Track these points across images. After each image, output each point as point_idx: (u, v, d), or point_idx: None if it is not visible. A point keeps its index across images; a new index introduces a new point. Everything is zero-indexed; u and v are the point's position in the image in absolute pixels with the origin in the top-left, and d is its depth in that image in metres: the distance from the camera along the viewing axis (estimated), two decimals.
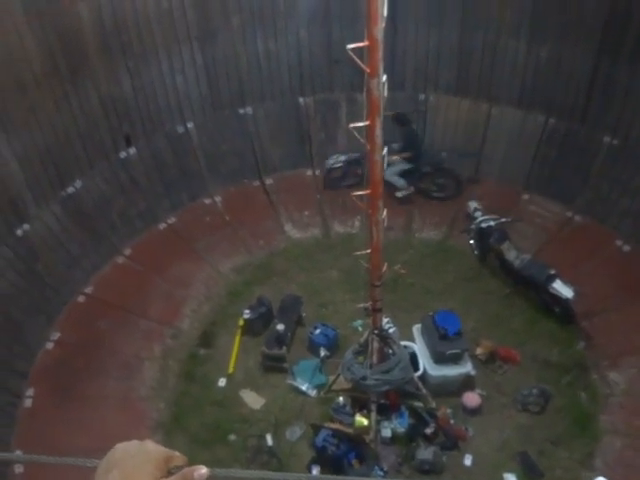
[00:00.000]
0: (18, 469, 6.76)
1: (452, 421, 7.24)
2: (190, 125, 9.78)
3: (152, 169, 9.52)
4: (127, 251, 9.13)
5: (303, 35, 9.87)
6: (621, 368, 7.67)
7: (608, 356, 7.79)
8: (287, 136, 10.35)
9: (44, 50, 7.87)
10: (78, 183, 8.71)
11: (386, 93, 4.52)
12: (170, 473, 1.15)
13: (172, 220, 9.66)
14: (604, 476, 6.16)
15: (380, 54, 4.23)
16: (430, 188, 9.94)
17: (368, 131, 4.70)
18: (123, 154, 9.22)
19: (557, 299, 7.93)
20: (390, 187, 9.65)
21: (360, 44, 4.23)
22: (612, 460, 6.90)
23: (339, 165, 9.93)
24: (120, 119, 9.06)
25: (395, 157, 9.49)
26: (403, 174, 9.81)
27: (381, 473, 6.81)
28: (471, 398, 7.37)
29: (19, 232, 8.01)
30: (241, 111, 10.07)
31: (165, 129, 9.60)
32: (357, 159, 9.41)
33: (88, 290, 8.59)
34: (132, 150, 9.29)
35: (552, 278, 7.89)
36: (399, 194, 9.82)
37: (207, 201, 9.96)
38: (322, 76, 10.21)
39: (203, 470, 1.17)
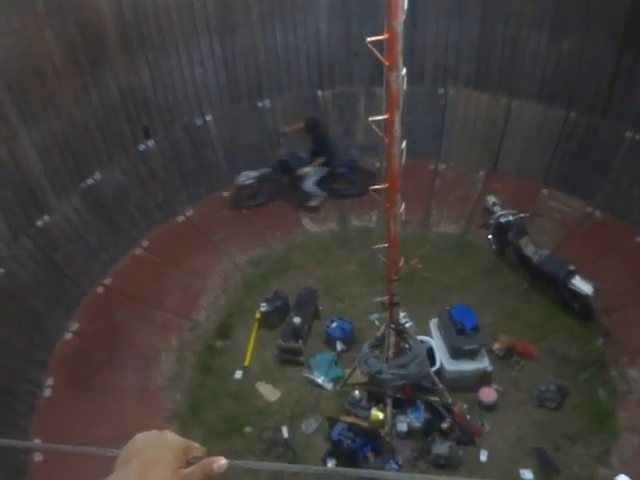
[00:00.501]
0: (37, 457, 6.85)
1: (468, 416, 7.22)
2: (208, 117, 9.80)
3: (170, 161, 9.56)
4: (145, 243, 9.19)
5: (322, 28, 9.83)
6: None
7: (627, 353, 7.71)
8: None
9: (64, 42, 7.92)
10: (97, 175, 8.78)
11: (405, 86, 4.50)
12: (189, 464, 1.15)
13: (190, 213, 9.70)
14: (624, 474, 6.12)
15: (400, 47, 4.20)
16: (342, 187, 9.83)
17: (387, 124, 4.68)
18: (142, 146, 9.27)
19: (576, 295, 7.86)
20: (305, 198, 9.65)
21: (380, 37, 4.21)
22: (630, 457, 6.83)
23: (250, 182, 9.57)
24: (139, 111, 9.11)
25: (307, 169, 9.35)
26: (321, 181, 9.64)
27: (396, 467, 6.81)
28: (487, 393, 7.34)
29: (39, 223, 8.10)
30: (259, 104, 10.07)
31: (183, 121, 9.63)
32: (269, 175, 9.36)
33: (106, 282, 8.67)
34: (150, 142, 9.33)
35: (571, 274, 7.81)
36: (312, 203, 9.74)
37: (225, 194, 9.98)
38: (341, 69, 10.18)
39: (223, 461, 1.17)
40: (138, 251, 9.11)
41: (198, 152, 9.79)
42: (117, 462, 1.11)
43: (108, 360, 7.77)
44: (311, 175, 9.47)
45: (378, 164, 9.60)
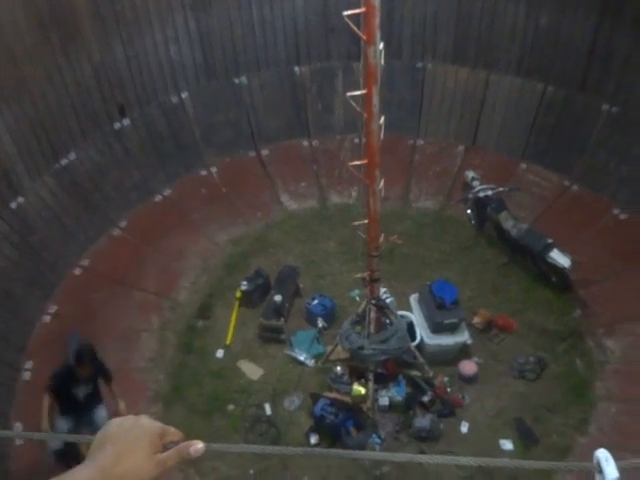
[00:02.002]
0: (18, 441, 6.81)
1: (449, 389, 7.31)
2: (184, 95, 9.65)
3: (146, 140, 9.42)
4: (122, 223, 9.08)
5: (299, 2, 9.68)
6: (617, 335, 7.72)
7: (604, 323, 7.84)
8: (283, 106, 10.23)
9: (35, 21, 7.71)
10: (72, 155, 8.62)
11: (383, 61, 4.45)
12: (166, 448, 1.14)
13: (167, 192, 9.59)
14: (600, 443, 6.23)
15: (377, 21, 4.15)
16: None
17: (365, 100, 4.64)
18: (117, 125, 9.11)
19: (554, 268, 7.95)
20: None
21: (357, 11, 4.15)
22: (607, 426, 6.98)
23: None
24: (113, 89, 8.94)
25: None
26: None
27: (379, 441, 6.90)
28: (468, 366, 7.43)
29: (13, 205, 7.95)
30: (236, 80, 9.93)
31: (159, 99, 9.48)
32: None
33: (84, 263, 8.56)
34: (126, 121, 9.17)
35: (549, 247, 7.89)
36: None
37: (203, 172, 9.88)
38: (318, 45, 10.05)
39: (199, 445, 1.17)
40: (115, 232, 9.00)
41: (175, 130, 9.65)
42: (91, 448, 1.10)
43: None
44: None
45: (357, 140, 9.58)
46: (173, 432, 1.19)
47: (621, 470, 1.34)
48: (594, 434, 6.89)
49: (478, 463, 1.41)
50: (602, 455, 1.37)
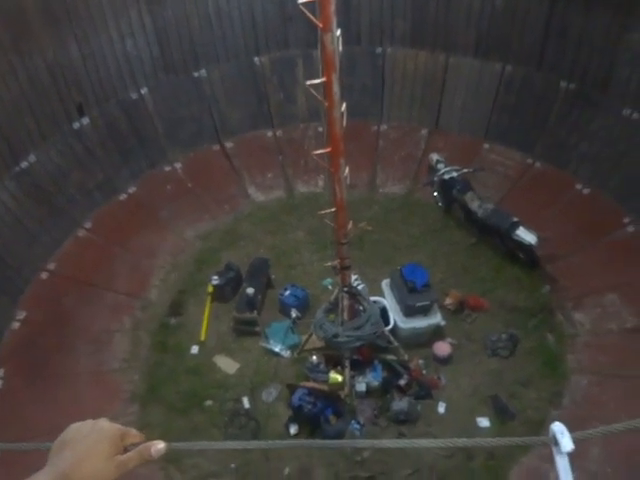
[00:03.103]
0: None
1: (424, 371, 7.39)
2: (144, 91, 9.51)
3: (107, 138, 9.27)
4: (88, 224, 8.94)
5: None
6: (585, 308, 7.88)
7: (572, 297, 7.99)
8: (244, 97, 10.16)
9: None
10: (31, 157, 8.43)
11: (341, 48, 4.43)
12: (126, 450, 1.13)
13: (132, 190, 9.47)
14: (574, 415, 6.38)
15: (333, 7, 4.11)
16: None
17: (325, 88, 4.61)
18: (76, 124, 8.94)
19: (521, 246, 8.06)
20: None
21: None
22: (579, 397, 7.13)
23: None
24: (70, 88, 8.76)
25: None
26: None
27: (358, 426, 6.94)
28: (442, 347, 7.52)
29: None
30: (195, 74, 9.82)
31: (118, 96, 9.32)
32: None
33: (50, 266, 8.41)
34: (85, 120, 9.00)
35: (515, 225, 8.00)
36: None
37: (167, 168, 9.78)
38: (277, 34, 9.98)
39: (160, 445, 1.16)
40: (81, 233, 8.86)
41: (136, 127, 9.51)
42: (50, 453, 1.08)
43: (59, 347, 7.60)
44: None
45: (321, 128, 9.54)
46: (134, 434, 1.18)
47: (576, 441, 1.38)
48: (568, 406, 7.03)
49: (440, 445, 1.44)
50: (557, 428, 1.40)
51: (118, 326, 7.96)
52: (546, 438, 1.43)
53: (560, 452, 1.38)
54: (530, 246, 7.98)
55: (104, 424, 1.14)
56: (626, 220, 8.48)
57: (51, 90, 8.52)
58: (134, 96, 9.45)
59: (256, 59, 10.07)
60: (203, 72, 9.85)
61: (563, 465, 1.38)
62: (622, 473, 6.30)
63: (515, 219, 8.05)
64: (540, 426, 6.87)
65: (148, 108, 9.57)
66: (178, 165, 9.80)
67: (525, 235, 7.93)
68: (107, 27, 8.81)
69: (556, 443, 1.39)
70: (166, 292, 8.39)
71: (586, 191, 8.98)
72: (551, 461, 1.50)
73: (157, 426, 7.05)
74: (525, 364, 7.50)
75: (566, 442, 1.37)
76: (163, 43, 9.43)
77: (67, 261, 8.50)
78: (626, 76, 8.48)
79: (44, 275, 8.34)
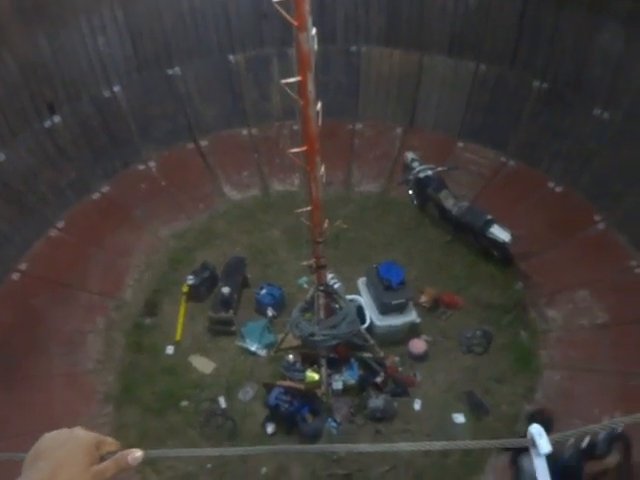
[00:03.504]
0: None
1: (400, 368, 7.43)
2: (116, 88, 9.39)
3: (80, 137, 9.13)
4: (60, 224, 8.82)
5: None
6: (557, 304, 8.00)
7: (545, 294, 8.11)
8: (219, 95, 10.09)
9: None
10: (1, 156, 8.27)
11: (316, 47, 4.42)
12: (103, 459, 1.11)
13: (106, 189, 9.36)
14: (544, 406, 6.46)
15: (307, 6, 4.11)
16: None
17: (300, 87, 4.61)
18: (47, 123, 8.79)
19: (495, 243, 8.15)
20: None
21: None
22: (552, 392, 7.24)
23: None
24: (41, 86, 8.61)
25: None
26: None
27: (335, 425, 6.96)
28: (417, 345, 7.56)
29: None
30: (169, 71, 9.73)
31: (90, 94, 9.19)
32: None
33: (22, 267, 8.28)
34: (57, 118, 8.86)
35: (489, 223, 8.08)
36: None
37: (141, 167, 9.69)
38: (251, 32, 9.93)
39: (138, 453, 1.14)
40: (53, 232, 8.74)
41: (109, 125, 9.39)
42: (24, 463, 1.06)
43: (31, 348, 7.48)
44: None
45: (296, 126, 9.53)
46: (110, 442, 1.16)
47: (553, 443, 1.40)
48: (541, 401, 7.14)
49: (419, 447, 1.44)
50: (535, 431, 1.42)
51: (92, 327, 7.86)
52: (524, 440, 1.45)
53: (538, 454, 1.40)
54: (504, 244, 8.06)
55: (79, 433, 1.12)
56: (597, 218, 8.63)
57: (21, 87, 8.37)
58: (107, 94, 9.33)
59: (231, 57, 10.01)
60: (177, 70, 9.76)
61: (541, 466, 1.40)
62: None
63: (489, 217, 8.13)
64: (514, 420, 6.97)
65: (121, 106, 9.46)
66: (152, 164, 9.71)
67: (499, 233, 8.02)
68: (79, 24, 8.68)
69: (534, 445, 1.41)
70: (140, 292, 8.30)
71: (558, 189, 9.11)
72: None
73: (132, 427, 6.99)
74: (499, 360, 7.59)
75: (544, 444, 1.39)
76: (136, 40, 9.32)
77: (39, 261, 8.37)
78: (597, 76, 8.60)
79: (15, 276, 8.20)
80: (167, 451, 1.40)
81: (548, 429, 1.43)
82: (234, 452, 1.58)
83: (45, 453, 1.06)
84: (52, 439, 1.10)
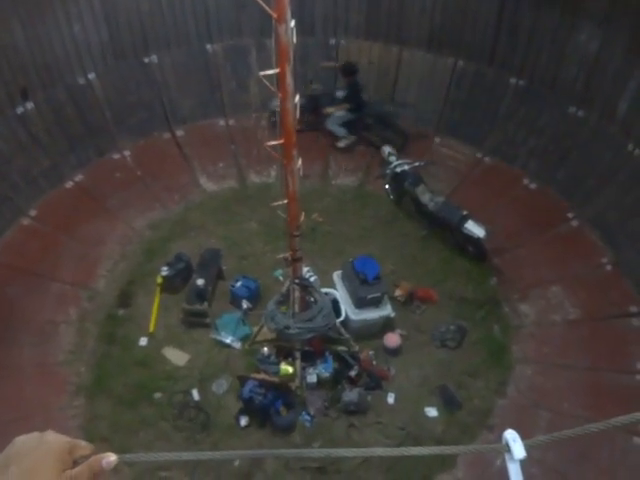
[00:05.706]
0: None
1: (375, 362, 7.45)
2: (92, 76, 9.24)
3: (53, 124, 8.98)
4: (33, 212, 8.67)
5: None
6: (530, 300, 8.10)
7: (518, 289, 8.20)
8: (196, 85, 10.00)
9: None
10: None
11: (295, 39, 4.39)
12: (76, 463, 1.09)
13: (79, 178, 9.22)
14: (518, 403, 6.54)
15: None
16: (374, 139, 9.90)
17: (279, 79, 4.58)
18: (20, 109, 8.63)
19: (470, 239, 8.21)
20: (332, 137, 9.74)
21: None
22: (524, 387, 7.33)
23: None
24: (14, 72, 8.44)
25: (333, 109, 9.55)
26: (344, 124, 9.78)
27: (308, 418, 6.97)
28: (392, 338, 7.60)
29: None
30: (146, 60, 9.60)
31: (65, 81, 9.03)
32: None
33: None
34: (30, 104, 8.70)
35: (465, 219, 8.14)
36: (340, 144, 9.84)
37: (116, 156, 9.56)
38: (230, 21, 9.84)
39: (112, 458, 1.12)
40: (26, 221, 8.59)
41: (83, 113, 9.25)
42: None
43: (1, 339, 7.35)
44: (335, 117, 9.63)
45: (274, 118, 9.47)
46: (83, 446, 1.14)
47: (528, 448, 1.41)
48: (513, 395, 7.23)
49: (395, 454, 1.45)
50: (510, 436, 1.42)
51: (64, 317, 7.76)
52: (499, 445, 1.45)
53: (512, 459, 1.41)
54: (479, 239, 8.13)
55: (51, 437, 1.10)
56: (570, 215, 8.75)
57: None
58: (81, 81, 9.18)
59: (208, 46, 9.91)
60: (154, 58, 9.64)
61: (515, 471, 1.41)
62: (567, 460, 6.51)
63: (465, 212, 8.19)
64: (487, 415, 7.05)
65: (96, 94, 9.32)
66: (127, 153, 9.59)
67: (474, 228, 8.08)
68: (54, 9, 8.52)
69: (508, 450, 1.42)
70: (114, 282, 8.21)
71: (533, 186, 9.21)
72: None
73: (104, 419, 6.92)
74: (472, 355, 7.66)
75: (518, 449, 1.40)
76: (112, 27, 9.17)
77: (10, 250, 8.23)
78: (573, 75, 8.70)
79: None
80: (143, 455, 1.38)
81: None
82: (211, 456, 1.55)
83: (16, 458, 1.04)
84: (23, 443, 1.07)
